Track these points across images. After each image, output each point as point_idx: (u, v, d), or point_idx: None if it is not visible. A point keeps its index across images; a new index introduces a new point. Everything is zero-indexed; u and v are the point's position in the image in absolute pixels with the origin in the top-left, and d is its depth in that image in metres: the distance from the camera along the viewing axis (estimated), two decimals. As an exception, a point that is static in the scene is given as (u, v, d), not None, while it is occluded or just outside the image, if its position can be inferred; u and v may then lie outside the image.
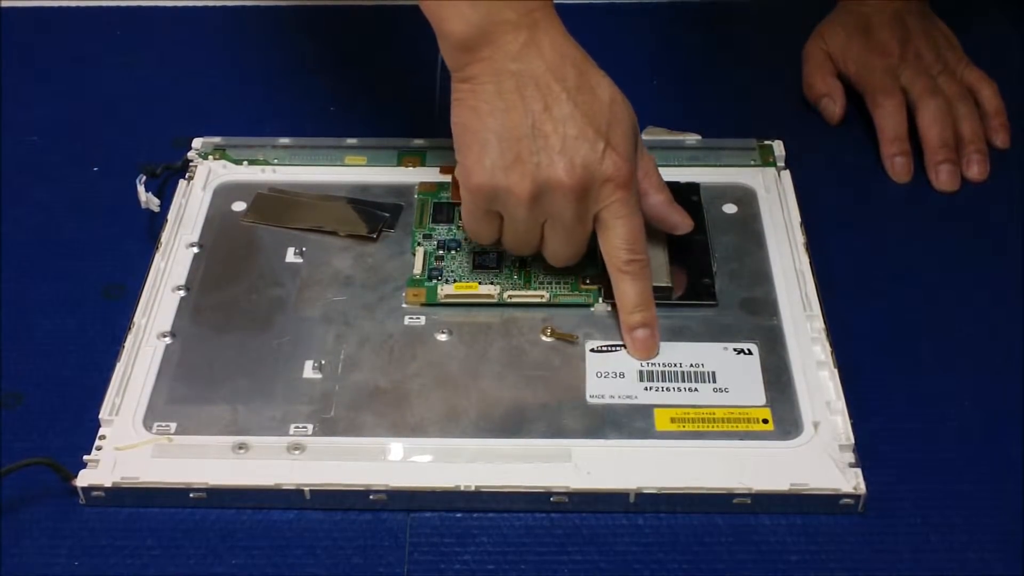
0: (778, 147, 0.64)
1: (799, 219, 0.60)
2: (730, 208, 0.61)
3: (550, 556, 0.49)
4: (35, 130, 0.64)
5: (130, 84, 0.68)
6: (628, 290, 0.54)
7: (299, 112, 0.68)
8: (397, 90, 0.69)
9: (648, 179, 0.56)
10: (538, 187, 0.51)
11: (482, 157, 0.52)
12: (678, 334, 0.55)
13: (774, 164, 0.63)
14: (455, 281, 0.57)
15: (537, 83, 0.51)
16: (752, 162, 0.64)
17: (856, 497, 0.49)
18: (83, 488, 0.49)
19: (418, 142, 0.65)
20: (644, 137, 0.65)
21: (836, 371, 0.53)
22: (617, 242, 0.53)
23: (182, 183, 0.62)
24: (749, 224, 0.60)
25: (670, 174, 0.62)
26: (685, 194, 0.61)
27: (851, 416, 0.51)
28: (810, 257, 0.58)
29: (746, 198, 0.62)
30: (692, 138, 0.65)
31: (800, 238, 0.59)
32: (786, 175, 0.63)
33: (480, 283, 0.57)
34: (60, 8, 0.71)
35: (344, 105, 0.68)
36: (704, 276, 0.57)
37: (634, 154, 0.53)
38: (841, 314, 0.56)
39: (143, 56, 0.69)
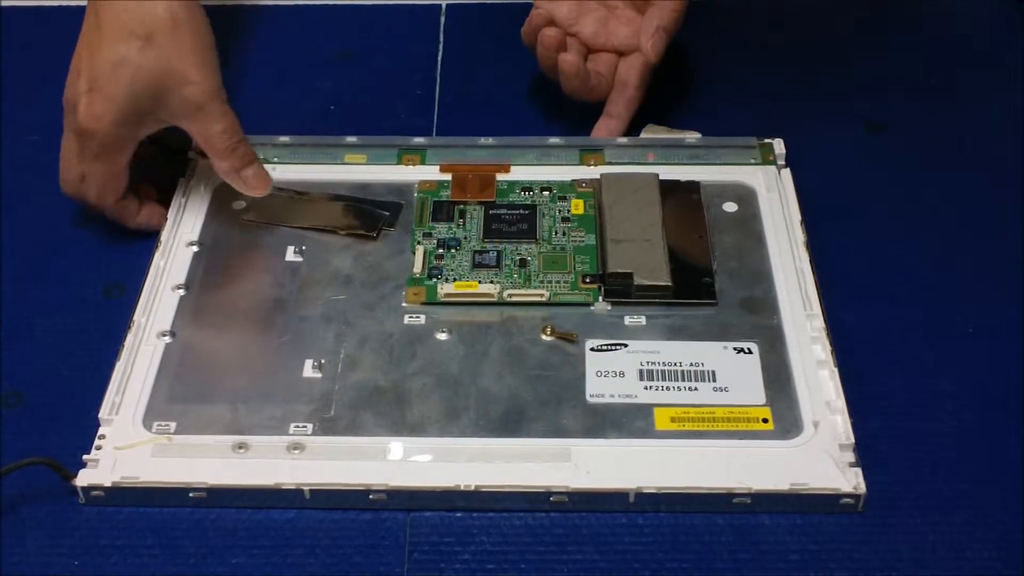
0: (778, 145, 0.64)
1: (799, 217, 0.60)
2: (730, 207, 0.61)
3: (550, 556, 0.49)
4: (35, 130, 0.64)
5: None
6: None
7: (299, 112, 0.68)
8: (397, 90, 0.69)
9: (212, 148, 0.58)
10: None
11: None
12: (678, 333, 0.55)
13: (774, 162, 0.63)
14: (455, 280, 0.57)
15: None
16: (752, 160, 0.63)
17: (856, 497, 0.49)
18: (83, 488, 0.49)
19: (418, 140, 0.65)
20: (643, 135, 0.65)
21: (836, 370, 0.53)
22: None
23: (182, 181, 0.62)
24: (749, 223, 0.60)
25: (670, 172, 0.62)
26: (685, 192, 0.61)
27: (851, 416, 0.51)
28: (810, 255, 0.58)
29: (746, 196, 0.62)
30: (692, 136, 0.65)
31: (800, 236, 0.59)
32: (786, 173, 0.63)
33: (480, 282, 0.57)
34: (60, 8, 0.71)
35: (344, 105, 0.68)
36: (704, 275, 0.57)
37: (112, 118, 0.56)
38: (841, 314, 0.56)
39: None
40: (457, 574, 0.48)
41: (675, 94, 0.70)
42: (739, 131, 0.65)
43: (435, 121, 0.67)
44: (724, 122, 0.66)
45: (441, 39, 0.69)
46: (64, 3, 0.71)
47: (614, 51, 0.65)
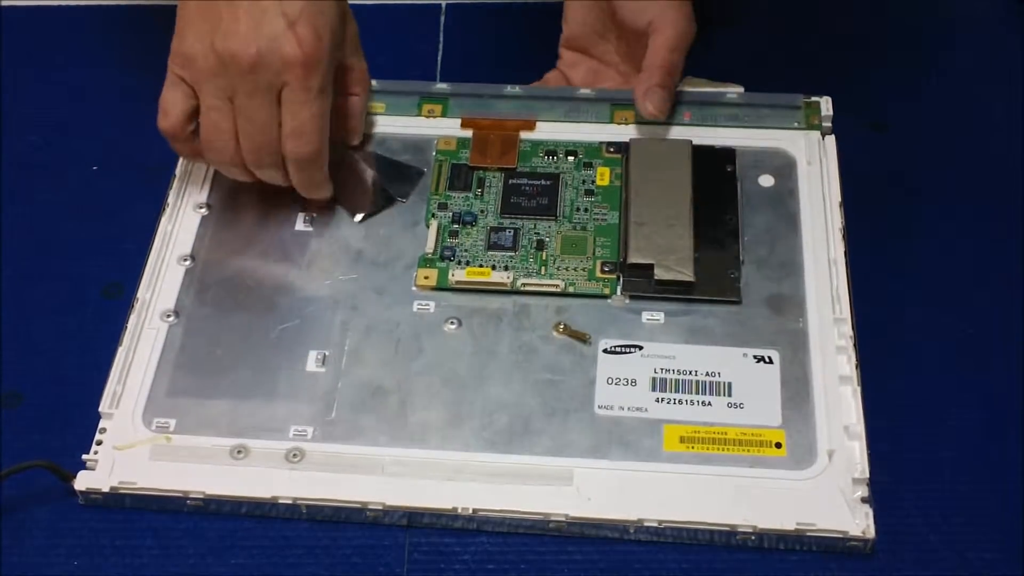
0: (825, 105, 0.59)
1: (839, 197, 0.56)
2: (766, 180, 0.58)
3: (550, 556, 0.48)
4: (35, 130, 0.63)
5: (130, 84, 0.65)
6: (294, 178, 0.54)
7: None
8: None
9: (360, 85, 0.56)
10: (219, 56, 0.50)
11: (186, 27, 0.51)
12: (697, 334, 0.52)
13: (819, 126, 0.59)
14: (468, 263, 0.55)
15: None
16: (796, 124, 0.59)
17: (864, 541, 0.47)
18: (81, 491, 0.49)
19: (441, 87, 0.61)
20: (682, 88, 0.61)
21: (859, 388, 0.50)
22: (286, 128, 0.52)
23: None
24: (785, 201, 0.57)
25: (705, 135, 0.59)
26: (720, 162, 0.58)
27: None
28: (846, 245, 0.55)
29: (785, 169, 0.58)
30: (734, 90, 0.61)
31: (838, 221, 0.55)
32: (830, 141, 0.58)
33: (494, 267, 0.54)
34: (60, 8, 0.69)
35: None
36: (730, 268, 0.54)
37: (327, 43, 0.51)
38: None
39: (143, 56, 0.66)
40: (457, 574, 0.48)
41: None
42: (788, 88, 0.60)
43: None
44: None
45: (441, 39, 0.66)
46: (64, 3, 0.69)
47: None
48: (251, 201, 0.57)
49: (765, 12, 0.67)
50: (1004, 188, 0.59)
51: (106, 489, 0.49)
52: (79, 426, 0.51)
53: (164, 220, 0.57)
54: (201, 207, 0.57)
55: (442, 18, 0.67)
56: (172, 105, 0.53)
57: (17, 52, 0.66)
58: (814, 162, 0.58)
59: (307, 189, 0.55)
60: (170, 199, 0.57)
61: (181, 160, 0.58)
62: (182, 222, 0.57)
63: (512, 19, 0.65)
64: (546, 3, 0.64)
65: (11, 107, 0.63)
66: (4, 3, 0.67)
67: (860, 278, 0.54)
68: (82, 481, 0.49)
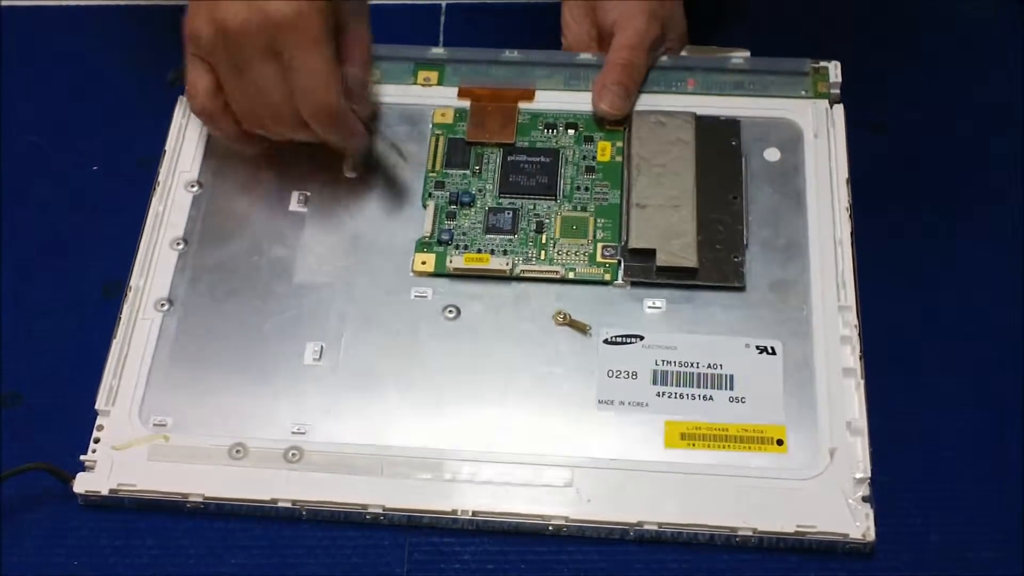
0: (834, 70, 0.57)
1: (846, 173, 0.55)
2: (772, 154, 0.56)
3: (550, 556, 0.48)
4: (35, 130, 0.62)
5: (130, 84, 0.63)
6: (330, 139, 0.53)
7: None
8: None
9: (357, 48, 0.53)
10: (217, 28, 0.50)
11: (193, 5, 0.51)
12: (700, 323, 0.52)
13: (827, 94, 0.57)
14: (466, 247, 0.54)
15: None
16: (803, 92, 0.57)
17: (865, 543, 0.47)
18: (80, 493, 0.49)
19: (437, 51, 0.59)
20: (684, 54, 0.59)
21: (862, 381, 0.50)
22: (296, 92, 0.50)
23: (182, 100, 0.58)
24: (790, 177, 0.55)
25: (709, 105, 0.57)
26: (723, 136, 0.56)
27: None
28: (853, 224, 0.53)
29: (791, 142, 0.56)
30: (740, 55, 0.59)
31: (845, 199, 0.54)
32: (839, 111, 0.57)
33: (492, 251, 0.53)
34: (60, 8, 0.67)
35: None
36: (734, 253, 0.53)
37: (323, 8, 0.50)
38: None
39: (143, 55, 0.64)
40: (457, 574, 0.48)
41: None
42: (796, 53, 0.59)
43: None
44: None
45: (441, 39, 0.64)
46: (64, 3, 0.67)
47: None
48: (243, 179, 0.56)
49: (764, 12, 0.65)
50: (1004, 188, 0.58)
51: (105, 492, 0.48)
52: (79, 426, 0.50)
53: (155, 200, 0.55)
54: (192, 186, 0.56)
55: (442, 18, 0.65)
56: (195, 85, 0.52)
57: (17, 52, 0.65)
58: (821, 135, 0.56)
59: (343, 143, 0.54)
60: (160, 176, 0.56)
61: (170, 136, 0.57)
62: (173, 202, 0.55)
63: (512, 19, 0.64)
64: (546, 3, 0.62)
65: (11, 107, 0.62)
66: (4, 3, 0.66)
67: (860, 278, 0.53)
68: (81, 483, 0.49)
